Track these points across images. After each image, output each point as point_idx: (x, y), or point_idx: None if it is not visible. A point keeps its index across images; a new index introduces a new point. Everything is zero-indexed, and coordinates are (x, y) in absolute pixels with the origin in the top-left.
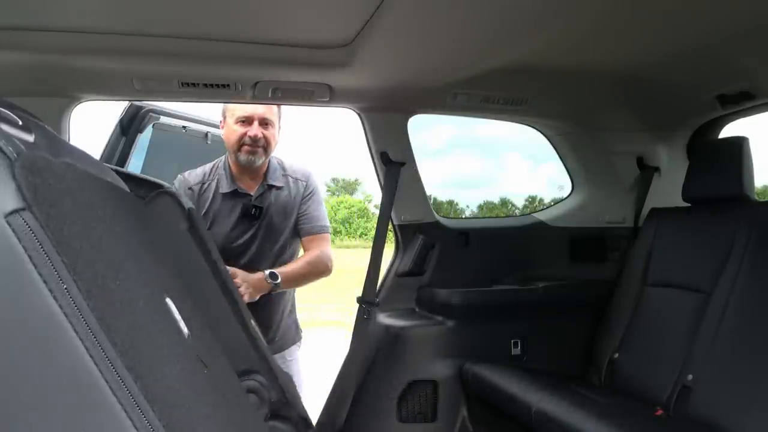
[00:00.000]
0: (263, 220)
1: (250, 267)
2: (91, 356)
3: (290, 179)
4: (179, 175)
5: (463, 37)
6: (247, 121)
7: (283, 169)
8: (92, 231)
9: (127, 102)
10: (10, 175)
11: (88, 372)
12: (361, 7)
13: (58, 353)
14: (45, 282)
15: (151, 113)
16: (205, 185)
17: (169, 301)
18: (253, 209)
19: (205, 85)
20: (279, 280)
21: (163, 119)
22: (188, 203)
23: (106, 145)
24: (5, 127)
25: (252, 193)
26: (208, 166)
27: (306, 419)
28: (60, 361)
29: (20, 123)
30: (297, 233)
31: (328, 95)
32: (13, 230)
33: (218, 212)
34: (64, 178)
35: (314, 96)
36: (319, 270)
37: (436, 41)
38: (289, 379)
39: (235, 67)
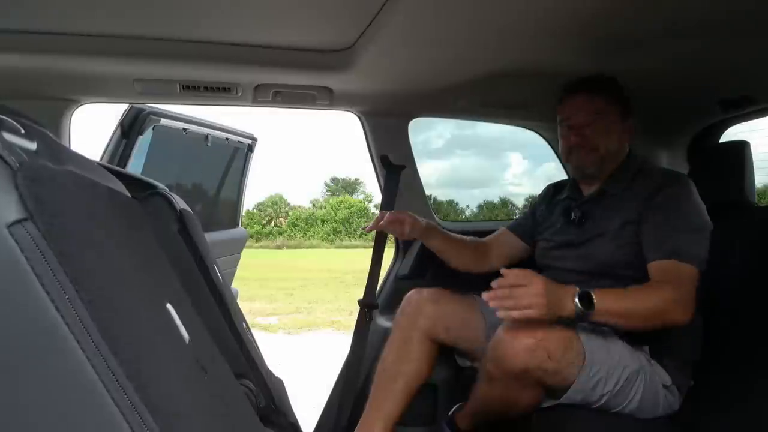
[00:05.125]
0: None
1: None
2: (93, 366)
3: None
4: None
5: (464, 42)
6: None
7: None
8: (94, 240)
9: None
10: (12, 185)
11: (90, 382)
12: (362, 11)
13: (60, 363)
14: (47, 292)
15: (151, 115)
16: None
17: (169, 306)
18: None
19: (206, 88)
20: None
21: (164, 121)
22: (180, 204)
23: (107, 147)
24: (7, 136)
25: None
26: None
27: (295, 425)
28: (62, 371)
29: (23, 131)
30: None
31: (329, 99)
32: (16, 241)
33: None
34: (67, 187)
35: (315, 99)
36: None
37: (437, 45)
38: (279, 384)
39: (236, 70)
